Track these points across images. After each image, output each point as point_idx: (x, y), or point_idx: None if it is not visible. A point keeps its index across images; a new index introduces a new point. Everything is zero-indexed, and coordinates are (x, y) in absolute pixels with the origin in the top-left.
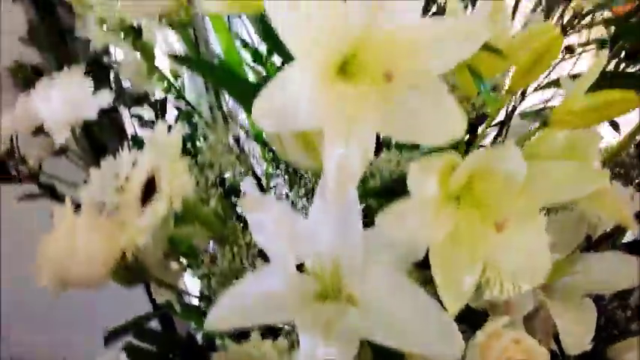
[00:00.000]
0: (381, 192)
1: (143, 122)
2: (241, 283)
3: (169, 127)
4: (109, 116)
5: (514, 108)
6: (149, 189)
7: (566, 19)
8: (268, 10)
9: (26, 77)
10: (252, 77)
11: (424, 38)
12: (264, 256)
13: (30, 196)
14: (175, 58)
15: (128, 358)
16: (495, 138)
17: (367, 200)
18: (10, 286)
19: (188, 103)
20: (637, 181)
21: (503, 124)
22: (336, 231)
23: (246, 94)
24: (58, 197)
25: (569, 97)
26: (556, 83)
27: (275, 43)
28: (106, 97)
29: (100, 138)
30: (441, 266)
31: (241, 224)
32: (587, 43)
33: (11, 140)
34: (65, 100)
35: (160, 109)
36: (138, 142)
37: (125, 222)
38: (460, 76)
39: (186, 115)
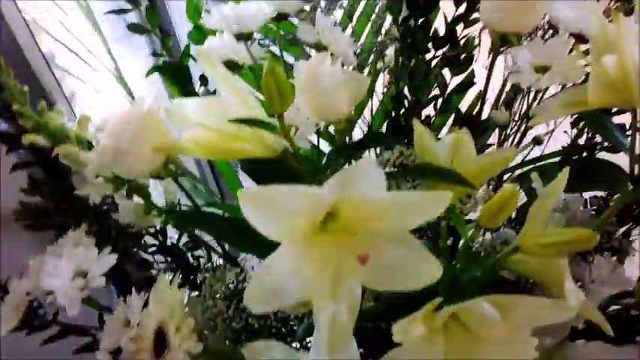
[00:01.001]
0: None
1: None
2: None
3: (171, 281)
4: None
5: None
6: (160, 337)
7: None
8: (244, 212)
9: (33, 220)
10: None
11: (392, 208)
12: None
13: (52, 339)
14: (163, 212)
15: None
16: None
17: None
18: None
19: (191, 235)
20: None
21: None
22: None
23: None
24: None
25: (535, 232)
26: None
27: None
28: (110, 260)
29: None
30: None
31: None
32: (553, 130)
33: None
34: (73, 272)
35: (161, 235)
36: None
37: None
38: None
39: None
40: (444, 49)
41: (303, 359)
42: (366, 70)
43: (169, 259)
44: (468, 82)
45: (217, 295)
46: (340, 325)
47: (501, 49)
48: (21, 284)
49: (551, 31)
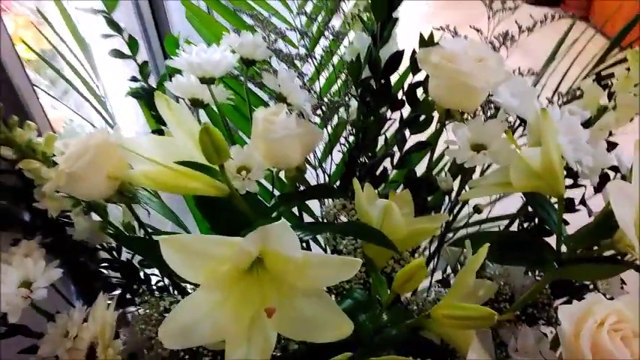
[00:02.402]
0: None
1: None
2: None
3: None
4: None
5: (443, 240)
6: (92, 351)
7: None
8: (165, 257)
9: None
10: None
11: (307, 267)
12: None
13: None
14: (112, 236)
15: None
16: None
17: None
18: None
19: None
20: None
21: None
22: None
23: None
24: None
25: (444, 303)
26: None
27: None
28: (56, 273)
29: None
30: None
31: None
32: (497, 200)
33: None
34: (18, 281)
35: (116, 252)
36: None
37: None
38: (369, 252)
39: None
40: (404, 110)
41: None
42: (334, 121)
43: (121, 274)
44: (425, 143)
45: (151, 321)
46: None
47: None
48: None
49: (492, 111)
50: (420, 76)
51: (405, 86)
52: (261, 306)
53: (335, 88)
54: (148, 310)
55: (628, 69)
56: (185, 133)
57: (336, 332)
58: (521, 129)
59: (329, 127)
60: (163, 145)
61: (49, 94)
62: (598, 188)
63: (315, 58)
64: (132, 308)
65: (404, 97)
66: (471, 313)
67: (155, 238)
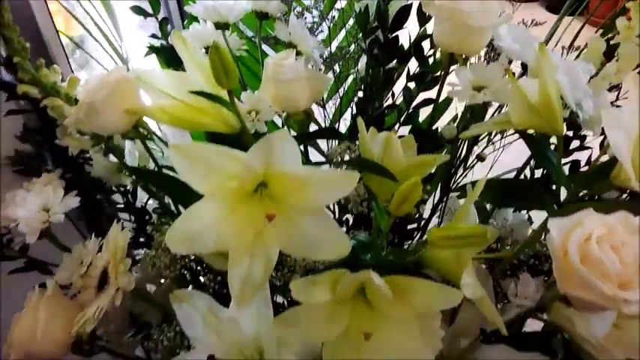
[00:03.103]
0: None
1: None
2: None
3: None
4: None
5: (448, 189)
6: (104, 277)
7: None
8: (174, 163)
9: (25, 167)
10: None
11: (309, 182)
12: None
13: (18, 270)
14: (134, 171)
15: None
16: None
17: None
18: None
19: (153, 194)
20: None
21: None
22: (255, 321)
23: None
24: (49, 272)
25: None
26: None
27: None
28: (73, 202)
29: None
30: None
31: None
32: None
33: None
34: (37, 206)
35: (131, 196)
36: None
37: (84, 305)
38: (372, 185)
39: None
40: (412, 64)
41: (218, 308)
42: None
43: (135, 219)
44: (432, 100)
45: (162, 246)
46: (253, 281)
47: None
48: None
49: (493, 54)
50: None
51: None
52: (264, 226)
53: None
54: (159, 239)
55: (629, 19)
56: (197, 68)
57: (334, 250)
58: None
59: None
60: (178, 80)
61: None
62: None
63: (329, 19)
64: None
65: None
66: (464, 231)
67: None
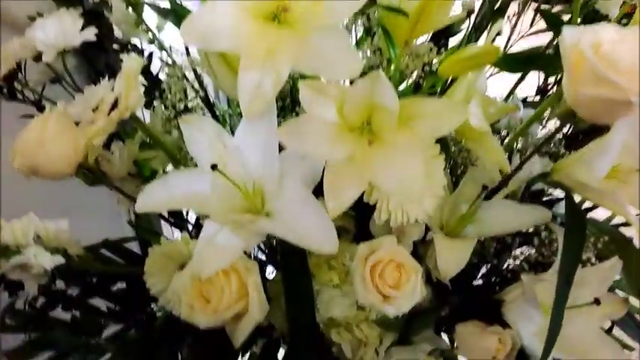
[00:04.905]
0: None
1: None
2: (171, 176)
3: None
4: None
5: None
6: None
7: None
8: None
9: None
10: None
11: None
12: None
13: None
14: (159, 10)
15: None
16: None
17: None
18: None
19: (168, 52)
20: None
21: None
22: (259, 152)
23: None
24: None
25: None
26: None
27: None
28: (91, 33)
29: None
30: (331, 180)
31: None
32: None
33: (17, 65)
34: (57, 29)
35: (147, 58)
36: None
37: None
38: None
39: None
40: None
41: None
42: None
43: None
44: None
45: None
46: (261, 92)
47: None
48: (14, 41)
49: None
50: None
51: None
52: (277, 44)
53: None
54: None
55: None
56: None
57: (347, 70)
58: None
59: None
60: None
61: None
62: None
63: None
64: None
65: None
66: (475, 50)
67: None
